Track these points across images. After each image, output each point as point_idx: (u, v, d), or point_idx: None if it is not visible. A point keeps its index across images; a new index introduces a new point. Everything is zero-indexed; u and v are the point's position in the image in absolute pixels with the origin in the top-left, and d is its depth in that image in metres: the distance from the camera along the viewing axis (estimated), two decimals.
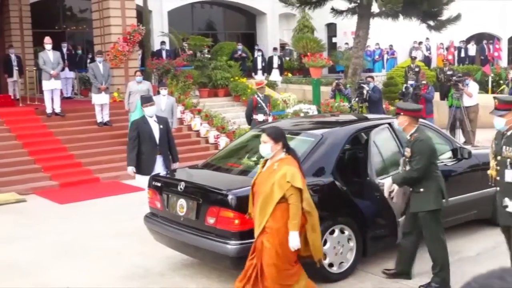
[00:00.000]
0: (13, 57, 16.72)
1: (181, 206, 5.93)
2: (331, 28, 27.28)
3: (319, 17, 24.01)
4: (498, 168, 5.17)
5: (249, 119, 12.06)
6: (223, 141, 14.06)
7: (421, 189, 5.59)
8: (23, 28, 18.71)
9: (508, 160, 5.07)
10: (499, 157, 5.18)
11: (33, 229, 8.30)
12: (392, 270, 5.98)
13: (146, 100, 8.18)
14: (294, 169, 4.73)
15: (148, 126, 7.98)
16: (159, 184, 6.41)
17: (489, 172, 5.38)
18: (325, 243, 5.77)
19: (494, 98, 5.39)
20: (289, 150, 4.91)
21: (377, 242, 6.24)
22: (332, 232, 5.86)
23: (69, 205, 9.86)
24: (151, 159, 7.89)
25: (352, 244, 6.00)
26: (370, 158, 6.20)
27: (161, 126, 8.06)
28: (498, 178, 5.19)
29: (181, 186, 5.95)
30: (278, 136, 4.86)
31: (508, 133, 5.14)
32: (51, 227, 8.43)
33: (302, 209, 4.76)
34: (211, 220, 5.56)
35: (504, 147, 5.11)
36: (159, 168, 7.93)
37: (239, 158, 6.90)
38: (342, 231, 5.94)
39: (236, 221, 5.30)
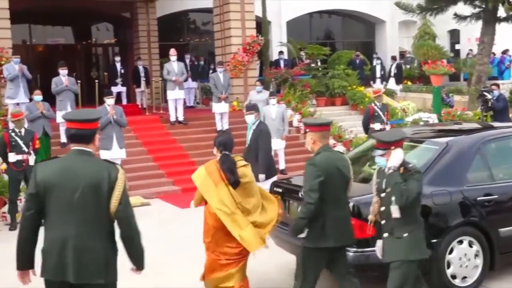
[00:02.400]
0: (141, 68, 17.70)
1: None
2: (454, 35, 26.28)
3: (441, 24, 23.18)
4: (383, 208, 4.81)
5: (366, 128, 11.92)
6: (339, 149, 13.96)
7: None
8: (151, 41, 19.82)
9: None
10: (382, 194, 4.81)
11: (157, 232, 8.72)
12: None
13: (247, 108, 8.87)
14: (201, 168, 5.49)
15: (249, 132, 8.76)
16: (280, 190, 6.51)
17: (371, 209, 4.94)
18: (451, 251, 5.62)
19: (373, 137, 5.15)
20: (222, 155, 5.44)
21: (506, 256, 5.94)
22: (460, 242, 5.68)
23: (189, 209, 10.23)
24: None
25: (479, 261, 5.76)
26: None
27: (250, 135, 8.61)
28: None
29: (302, 192, 6.01)
30: (215, 142, 5.57)
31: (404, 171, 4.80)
32: (173, 230, 8.82)
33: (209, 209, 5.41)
34: None
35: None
36: None
37: (359, 166, 6.84)
38: (470, 245, 5.72)
39: (358, 228, 5.26)
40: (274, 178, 8.44)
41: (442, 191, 5.66)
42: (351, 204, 5.30)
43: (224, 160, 5.40)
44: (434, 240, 5.51)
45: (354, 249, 5.33)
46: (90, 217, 3.75)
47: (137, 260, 3.98)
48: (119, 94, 17.19)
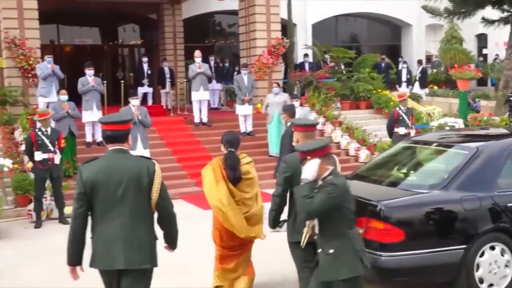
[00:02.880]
0: (166, 69, 17.79)
1: None
2: (482, 39, 26.00)
3: (469, 28, 22.98)
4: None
5: (391, 132, 11.83)
6: (363, 153, 13.89)
7: None
8: (176, 42, 19.95)
9: None
10: None
11: (181, 232, 8.75)
12: None
13: (283, 109, 9.11)
14: (208, 165, 5.77)
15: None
16: None
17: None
18: (482, 254, 5.58)
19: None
20: (227, 152, 5.71)
21: None
22: (493, 248, 5.63)
23: (211, 210, 10.26)
24: None
25: (509, 271, 5.69)
26: None
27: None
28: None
29: None
30: (222, 139, 5.81)
31: (319, 183, 4.40)
32: (195, 231, 8.83)
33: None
34: (360, 231, 5.50)
35: None
36: None
37: (389, 170, 6.84)
38: (502, 253, 5.66)
39: (386, 232, 5.29)
40: None
41: (472, 196, 5.61)
42: (380, 208, 5.33)
43: (228, 157, 5.69)
44: (464, 246, 5.49)
45: (385, 253, 5.33)
46: (134, 208, 4.16)
47: (172, 241, 4.52)
48: (145, 94, 17.34)
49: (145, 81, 17.38)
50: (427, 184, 5.90)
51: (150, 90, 17.66)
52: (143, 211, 4.20)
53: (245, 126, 14.27)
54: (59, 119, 11.36)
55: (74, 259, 4.21)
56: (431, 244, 5.47)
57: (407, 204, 5.57)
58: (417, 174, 6.50)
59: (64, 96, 11.65)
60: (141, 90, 16.97)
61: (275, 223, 5.32)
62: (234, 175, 5.62)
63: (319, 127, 14.83)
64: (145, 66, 17.53)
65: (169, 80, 17.61)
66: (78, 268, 4.24)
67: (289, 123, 8.95)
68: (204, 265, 7.07)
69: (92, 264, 4.19)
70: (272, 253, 6.79)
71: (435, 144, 6.88)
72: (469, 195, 5.60)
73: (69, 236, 4.21)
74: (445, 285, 5.67)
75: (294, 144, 5.36)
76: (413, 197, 5.66)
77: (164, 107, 17.28)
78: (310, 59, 20.50)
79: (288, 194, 5.20)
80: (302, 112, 12.32)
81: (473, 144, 6.22)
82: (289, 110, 9.18)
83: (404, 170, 6.58)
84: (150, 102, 17.52)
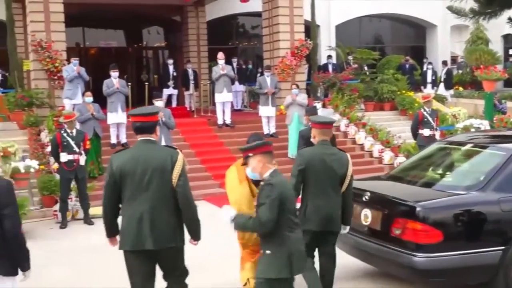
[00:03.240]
0: (190, 71, 17.83)
1: (366, 216, 5.96)
2: (508, 40, 25.61)
3: (495, 28, 22.61)
4: None
5: (415, 134, 11.74)
6: (387, 155, 13.80)
7: None
8: (200, 44, 20.04)
9: None
10: None
11: (204, 232, 8.78)
12: None
13: (306, 111, 9.12)
14: (231, 166, 5.83)
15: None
16: None
17: None
18: None
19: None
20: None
21: None
22: None
23: None
24: None
25: None
26: None
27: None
28: None
29: (366, 196, 5.99)
30: (247, 142, 5.68)
31: (261, 183, 4.54)
32: (220, 231, 8.86)
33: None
34: (397, 231, 5.55)
35: None
36: None
37: (424, 171, 6.80)
38: None
39: (424, 234, 5.27)
40: None
41: (510, 197, 5.56)
42: (418, 209, 5.36)
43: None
44: (502, 247, 5.44)
45: (423, 254, 5.31)
46: (159, 194, 4.50)
47: (195, 231, 4.74)
48: (170, 96, 17.42)
49: (171, 83, 17.47)
50: (464, 185, 5.87)
51: (175, 92, 17.74)
52: (168, 197, 4.52)
53: (268, 127, 14.26)
54: (84, 121, 11.47)
55: (111, 233, 4.73)
56: (469, 245, 5.44)
57: (446, 205, 5.56)
58: (453, 175, 6.48)
59: (89, 98, 11.77)
60: (166, 92, 17.08)
61: None
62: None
63: (342, 128, 14.80)
64: (171, 68, 17.63)
65: (193, 82, 17.63)
66: (117, 237, 4.69)
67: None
68: (228, 265, 7.09)
69: (121, 246, 4.55)
70: None
71: (470, 145, 6.84)
72: (507, 196, 5.55)
73: (103, 218, 4.71)
74: (481, 285, 5.63)
75: (312, 140, 5.64)
76: (451, 198, 5.64)
77: (188, 109, 17.35)
78: (334, 60, 20.40)
79: (302, 186, 5.56)
80: (324, 114, 12.27)
81: (510, 145, 6.18)
82: (310, 112, 9.19)
83: (440, 171, 6.56)
84: (174, 104, 17.60)
